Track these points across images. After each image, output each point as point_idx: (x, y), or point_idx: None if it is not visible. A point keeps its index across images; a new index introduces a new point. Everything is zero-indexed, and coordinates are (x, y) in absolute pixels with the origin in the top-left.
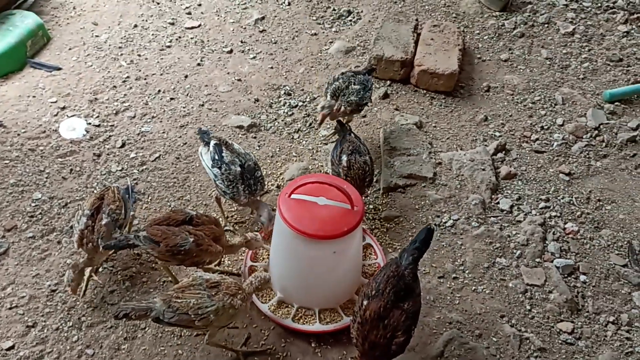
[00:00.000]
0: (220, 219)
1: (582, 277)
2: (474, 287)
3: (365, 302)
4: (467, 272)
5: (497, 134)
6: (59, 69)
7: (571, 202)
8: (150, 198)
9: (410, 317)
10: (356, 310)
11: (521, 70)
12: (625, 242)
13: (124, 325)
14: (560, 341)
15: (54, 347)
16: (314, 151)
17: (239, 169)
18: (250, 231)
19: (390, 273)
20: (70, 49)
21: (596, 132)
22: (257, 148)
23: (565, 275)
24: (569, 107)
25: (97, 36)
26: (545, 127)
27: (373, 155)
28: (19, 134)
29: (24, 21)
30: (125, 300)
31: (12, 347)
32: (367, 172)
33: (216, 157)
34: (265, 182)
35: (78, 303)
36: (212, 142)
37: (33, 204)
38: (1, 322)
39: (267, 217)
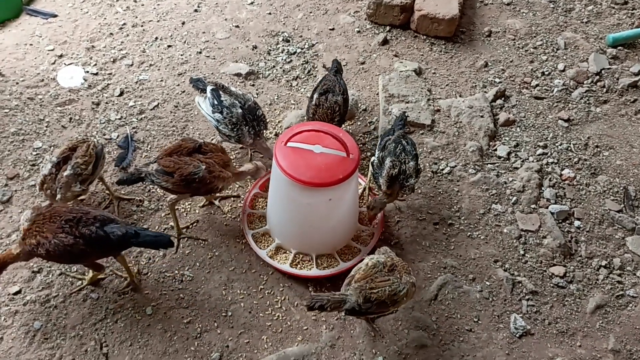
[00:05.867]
0: None
1: (577, 223)
2: (469, 233)
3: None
4: (462, 218)
5: (497, 80)
6: (55, 15)
7: (569, 148)
8: (149, 147)
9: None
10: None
11: (524, 14)
12: (621, 188)
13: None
14: (552, 284)
15: (60, 292)
16: None
17: (240, 110)
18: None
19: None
20: None
21: (597, 77)
22: (256, 96)
23: (560, 221)
24: (571, 52)
25: None
26: (546, 72)
27: (370, 102)
28: (17, 83)
29: None
30: None
31: (19, 292)
32: (335, 112)
33: (215, 103)
34: (267, 121)
35: None
36: (209, 88)
37: (34, 153)
38: (7, 268)
39: None
